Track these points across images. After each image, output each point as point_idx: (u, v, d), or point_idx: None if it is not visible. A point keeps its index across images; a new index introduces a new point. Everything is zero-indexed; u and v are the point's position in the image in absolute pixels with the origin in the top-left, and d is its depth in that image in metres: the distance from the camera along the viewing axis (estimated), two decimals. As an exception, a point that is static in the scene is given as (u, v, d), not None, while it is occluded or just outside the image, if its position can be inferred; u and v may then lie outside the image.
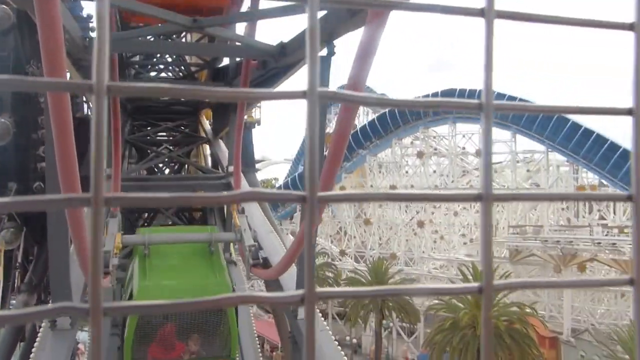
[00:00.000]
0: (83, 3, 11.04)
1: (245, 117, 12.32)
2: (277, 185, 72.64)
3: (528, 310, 29.19)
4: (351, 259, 51.64)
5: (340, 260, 50.80)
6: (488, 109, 0.71)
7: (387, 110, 55.71)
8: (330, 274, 44.41)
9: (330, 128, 39.79)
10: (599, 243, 37.46)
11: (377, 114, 56.36)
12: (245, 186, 10.52)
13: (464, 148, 52.37)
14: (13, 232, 12.33)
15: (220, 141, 13.61)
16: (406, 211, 53.04)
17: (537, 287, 0.92)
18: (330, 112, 53.12)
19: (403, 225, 50.94)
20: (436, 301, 32.99)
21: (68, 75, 9.44)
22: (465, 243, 50.02)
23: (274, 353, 37.64)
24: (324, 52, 7.24)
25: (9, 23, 11.15)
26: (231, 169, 11.06)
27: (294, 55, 8.38)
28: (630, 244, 35.50)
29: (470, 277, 30.39)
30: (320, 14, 7.12)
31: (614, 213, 46.32)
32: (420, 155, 51.63)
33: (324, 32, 6.78)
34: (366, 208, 54.36)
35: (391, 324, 40.77)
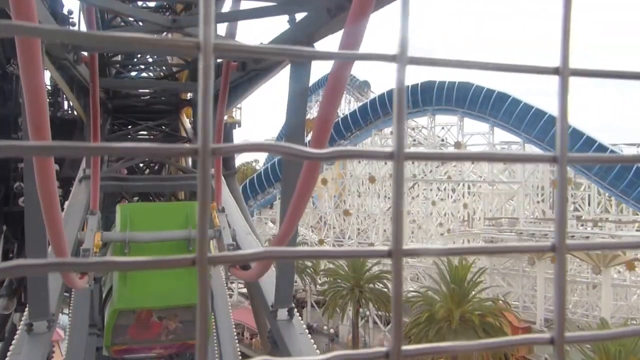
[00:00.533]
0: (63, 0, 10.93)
1: (226, 117, 12.27)
2: (257, 168, 72.34)
3: (501, 303, 29.71)
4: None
5: (319, 249, 50.90)
6: (402, 60, 0.77)
7: (368, 101, 56.03)
8: (309, 263, 44.62)
9: (311, 115, 39.50)
10: (573, 236, 38.19)
11: (359, 104, 56.43)
12: (224, 188, 10.48)
13: (442, 140, 52.79)
14: None
15: (201, 140, 13.52)
16: (385, 200, 53.29)
17: (448, 254, 0.94)
18: (311, 100, 53.20)
19: (381, 215, 51.18)
20: (413, 293, 33.34)
21: (47, 73, 9.37)
22: (442, 234, 50.49)
23: (254, 340, 38.03)
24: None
25: None
26: (212, 171, 11.03)
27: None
28: (602, 237, 36.28)
29: (444, 267, 30.68)
30: (300, 15, 7.08)
31: (589, 205, 47.12)
32: (399, 145, 51.84)
33: (304, 34, 6.77)
34: (345, 197, 54.58)
35: (367, 313, 41.17)
